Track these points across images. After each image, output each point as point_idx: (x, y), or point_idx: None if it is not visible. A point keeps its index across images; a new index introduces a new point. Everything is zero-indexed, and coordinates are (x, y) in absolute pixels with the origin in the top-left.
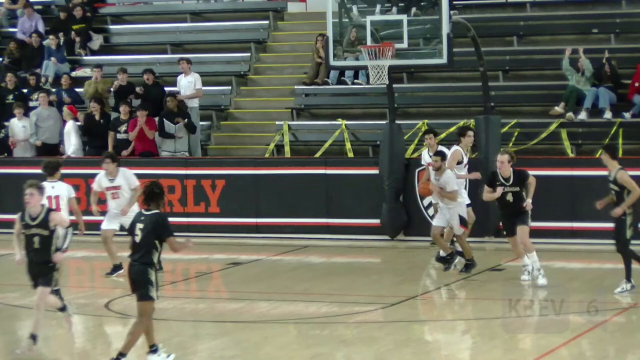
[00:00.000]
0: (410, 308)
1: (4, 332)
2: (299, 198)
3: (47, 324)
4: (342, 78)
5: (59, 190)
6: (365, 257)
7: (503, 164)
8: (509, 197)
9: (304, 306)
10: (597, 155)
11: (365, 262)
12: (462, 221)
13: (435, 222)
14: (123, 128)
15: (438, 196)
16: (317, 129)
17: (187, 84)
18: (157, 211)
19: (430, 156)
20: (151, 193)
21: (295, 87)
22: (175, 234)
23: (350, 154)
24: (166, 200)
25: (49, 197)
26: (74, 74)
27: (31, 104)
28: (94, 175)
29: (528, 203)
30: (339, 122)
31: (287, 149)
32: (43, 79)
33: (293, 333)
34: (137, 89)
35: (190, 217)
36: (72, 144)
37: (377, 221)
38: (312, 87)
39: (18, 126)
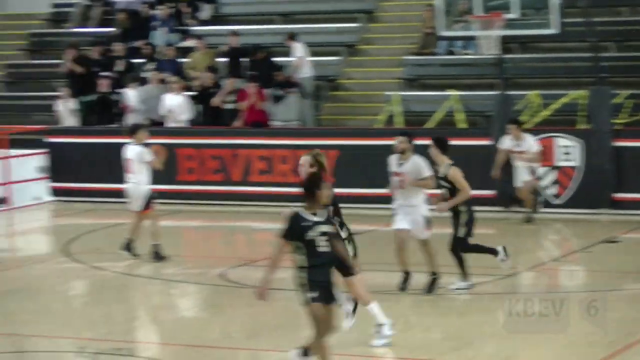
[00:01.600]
0: (525, 280)
1: (118, 301)
2: None
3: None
4: (451, 48)
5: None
6: (478, 229)
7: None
8: None
9: (421, 277)
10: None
11: (478, 234)
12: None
13: (398, 225)
14: (231, 98)
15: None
16: (427, 100)
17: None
18: None
19: (517, 144)
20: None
21: (405, 57)
22: (287, 204)
23: (462, 125)
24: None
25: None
26: (182, 44)
27: (142, 74)
28: (207, 145)
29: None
30: (449, 92)
31: (398, 119)
32: (146, 50)
33: (407, 303)
34: (259, 54)
35: None
36: (184, 114)
37: (490, 192)
38: (422, 57)
39: (130, 96)
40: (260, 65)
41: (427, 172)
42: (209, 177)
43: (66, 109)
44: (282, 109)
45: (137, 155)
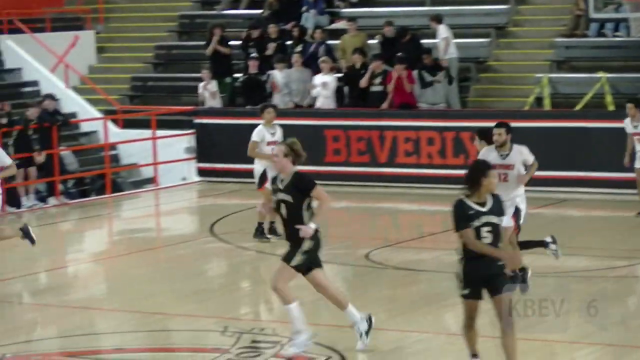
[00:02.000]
0: None
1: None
2: (558, 151)
3: None
4: (602, 30)
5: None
6: (623, 211)
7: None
8: None
9: (564, 260)
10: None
11: (623, 217)
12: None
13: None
14: (378, 80)
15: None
16: (577, 82)
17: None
18: None
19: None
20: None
21: (555, 39)
22: (433, 186)
23: (611, 107)
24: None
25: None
26: (332, 26)
27: (290, 57)
28: (354, 127)
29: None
30: (599, 74)
31: (547, 101)
32: (295, 32)
33: (551, 286)
34: (406, 36)
35: (448, 169)
36: (333, 96)
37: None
38: (572, 39)
39: (278, 77)
40: (407, 48)
41: (532, 157)
42: (356, 159)
43: (209, 91)
44: (429, 91)
45: (258, 135)
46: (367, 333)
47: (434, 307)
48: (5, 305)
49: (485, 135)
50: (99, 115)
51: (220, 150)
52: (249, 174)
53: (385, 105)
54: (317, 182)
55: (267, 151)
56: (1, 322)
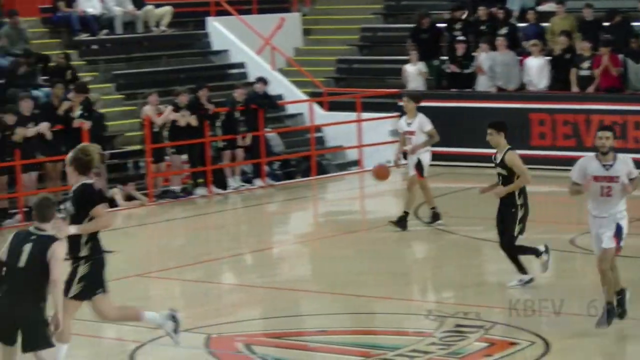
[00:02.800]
0: None
1: (465, 265)
2: None
3: None
4: None
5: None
6: None
7: None
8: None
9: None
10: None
11: None
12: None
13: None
14: (586, 64)
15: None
16: None
17: None
18: None
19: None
20: None
21: None
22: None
23: None
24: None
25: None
26: (539, 8)
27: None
28: (560, 110)
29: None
30: None
31: None
32: (501, 15)
33: None
34: (615, 18)
35: None
36: (543, 79)
37: None
38: None
39: (483, 60)
40: (616, 30)
41: (636, 170)
42: (561, 143)
43: (414, 73)
44: (636, 75)
45: (397, 124)
46: (175, 331)
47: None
48: (211, 286)
49: (503, 128)
50: (304, 97)
51: None
52: (453, 156)
53: (591, 88)
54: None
55: (406, 141)
56: (206, 303)
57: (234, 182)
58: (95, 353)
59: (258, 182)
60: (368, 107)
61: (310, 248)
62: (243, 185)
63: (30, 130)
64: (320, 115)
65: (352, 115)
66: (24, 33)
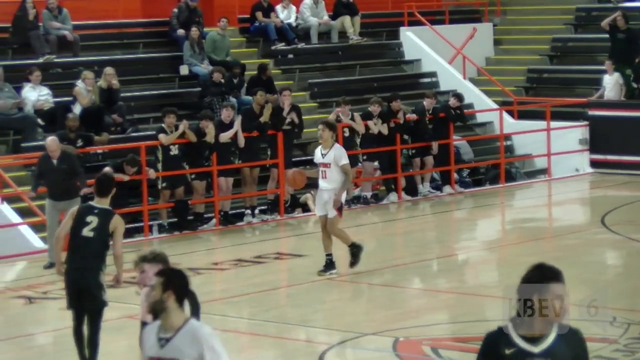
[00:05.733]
0: None
1: None
2: None
3: None
4: None
5: None
6: None
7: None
8: None
9: None
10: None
11: None
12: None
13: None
14: None
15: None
16: None
17: None
18: None
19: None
20: None
21: None
22: None
23: None
24: None
25: None
26: None
27: None
28: None
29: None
30: None
31: None
32: None
33: None
34: None
35: None
36: None
37: None
38: None
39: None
40: None
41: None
42: None
43: (611, 83)
44: None
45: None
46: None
47: None
48: (397, 290)
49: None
50: (494, 106)
51: (613, 142)
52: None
53: None
54: None
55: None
56: (393, 307)
57: (423, 188)
58: (284, 354)
59: (447, 189)
60: (557, 115)
61: (497, 254)
62: (432, 192)
63: (224, 135)
64: (510, 124)
65: (541, 124)
66: (227, 41)
